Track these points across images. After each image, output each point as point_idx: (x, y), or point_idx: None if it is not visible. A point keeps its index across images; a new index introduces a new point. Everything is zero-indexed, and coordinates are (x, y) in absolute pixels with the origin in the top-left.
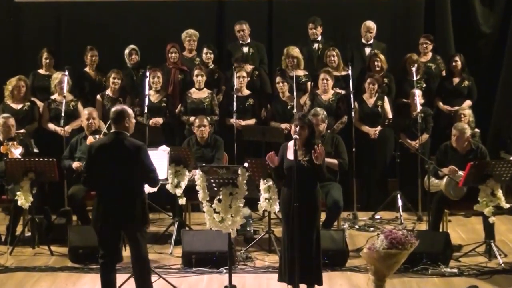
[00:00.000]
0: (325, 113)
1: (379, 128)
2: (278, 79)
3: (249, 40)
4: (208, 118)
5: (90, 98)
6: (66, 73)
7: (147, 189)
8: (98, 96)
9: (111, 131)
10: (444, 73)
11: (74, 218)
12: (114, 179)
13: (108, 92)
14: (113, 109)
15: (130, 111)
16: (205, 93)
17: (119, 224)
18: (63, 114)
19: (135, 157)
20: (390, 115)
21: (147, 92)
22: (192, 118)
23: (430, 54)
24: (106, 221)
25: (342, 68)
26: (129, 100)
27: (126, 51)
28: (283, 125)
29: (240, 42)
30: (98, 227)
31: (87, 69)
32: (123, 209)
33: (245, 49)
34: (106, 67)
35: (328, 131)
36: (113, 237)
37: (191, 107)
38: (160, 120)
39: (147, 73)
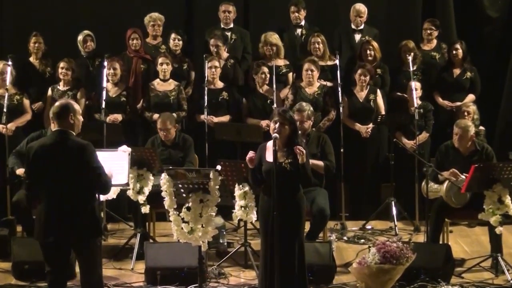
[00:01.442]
0: (311, 108)
1: (371, 125)
2: (262, 68)
3: (232, 25)
4: (175, 115)
5: (34, 91)
6: (9, 62)
7: (104, 196)
8: (49, 90)
9: (54, 129)
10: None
11: (19, 228)
12: (57, 184)
13: (60, 84)
14: (57, 103)
15: (76, 106)
16: (171, 85)
17: (65, 237)
18: (5, 110)
19: (79, 159)
20: (383, 111)
21: (104, 84)
22: (156, 116)
23: (435, 42)
24: (50, 233)
25: (328, 57)
26: (83, 94)
27: (80, 38)
28: (262, 122)
29: (222, 26)
30: (41, 240)
31: (31, 58)
32: (68, 219)
33: (227, 35)
34: (56, 57)
35: (313, 129)
36: (60, 251)
37: (154, 102)
38: (119, 117)
39: (105, 63)
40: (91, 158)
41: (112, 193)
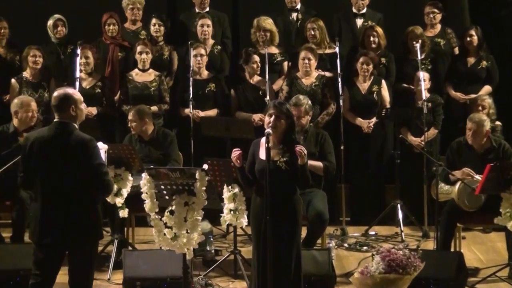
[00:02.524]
0: (309, 102)
1: (373, 120)
2: (253, 57)
3: (207, 9)
4: (156, 108)
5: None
6: None
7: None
8: (13, 80)
9: (54, 120)
10: (456, 51)
11: None
12: (55, 181)
13: (26, 74)
14: (55, 93)
15: (77, 95)
16: (151, 75)
17: (62, 238)
18: None
19: (80, 155)
20: (388, 104)
21: (77, 74)
22: (129, 109)
23: (438, 27)
24: (46, 234)
25: (327, 45)
26: (53, 85)
27: (50, 23)
28: (255, 116)
29: (198, 10)
30: (36, 240)
31: None
32: (67, 219)
33: None
34: (23, 43)
35: (311, 124)
36: (54, 254)
37: (133, 94)
38: (94, 111)
39: (78, 51)
40: (93, 154)
41: None
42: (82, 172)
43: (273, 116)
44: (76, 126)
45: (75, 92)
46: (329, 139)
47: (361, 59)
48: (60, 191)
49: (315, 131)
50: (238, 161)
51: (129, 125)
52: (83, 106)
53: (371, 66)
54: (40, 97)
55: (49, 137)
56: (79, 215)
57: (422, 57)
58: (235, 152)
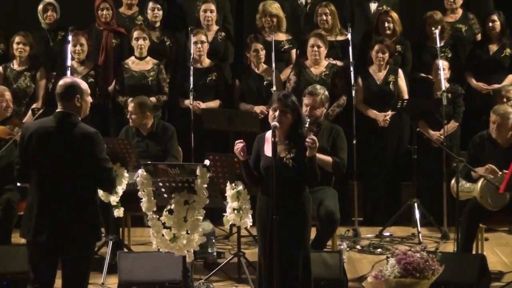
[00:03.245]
0: (326, 93)
1: (390, 112)
2: (255, 45)
3: None
4: (154, 99)
5: None
6: None
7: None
8: (0, 68)
9: (57, 110)
10: (479, 37)
11: None
12: (54, 175)
13: (14, 63)
14: (61, 82)
15: (83, 85)
16: (149, 63)
17: (58, 236)
18: None
19: (83, 148)
20: (406, 95)
21: (69, 63)
22: (130, 100)
23: (460, 12)
24: (42, 231)
25: (338, 31)
26: (43, 74)
27: (40, 7)
28: (256, 108)
29: None
30: (30, 238)
31: None
32: (65, 216)
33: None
34: (11, 30)
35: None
36: (50, 253)
37: (129, 84)
38: None
39: (69, 37)
40: (97, 148)
41: None
42: (85, 168)
43: (278, 111)
44: (79, 118)
45: (82, 82)
46: (342, 134)
47: (376, 47)
48: (59, 186)
49: (329, 125)
50: (242, 153)
51: (128, 117)
52: (89, 98)
53: (387, 55)
54: (18, 87)
55: (50, 128)
56: (79, 213)
57: (442, 44)
58: (238, 144)
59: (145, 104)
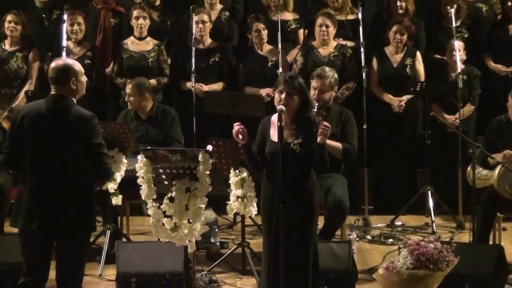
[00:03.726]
0: (336, 75)
1: (405, 97)
2: (256, 25)
3: None
4: (154, 81)
5: None
6: None
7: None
8: None
9: (51, 92)
10: (500, 17)
11: None
12: (47, 161)
13: (6, 43)
14: (52, 64)
15: (77, 66)
16: (149, 44)
17: (51, 224)
18: None
19: (78, 133)
20: (423, 79)
21: (64, 43)
22: (128, 82)
23: None
24: (33, 219)
25: (349, 10)
26: (36, 55)
27: None
28: (262, 91)
29: None
30: (22, 226)
31: None
32: (58, 204)
33: None
34: (2, 9)
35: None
36: (42, 243)
37: (128, 65)
38: None
39: (64, 16)
40: (93, 133)
41: None
42: (79, 153)
43: (284, 93)
44: (75, 100)
45: (75, 63)
46: (353, 119)
47: (394, 28)
48: (51, 172)
49: (338, 109)
50: (240, 136)
51: (126, 99)
52: (83, 78)
53: (405, 36)
54: (9, 68)
55: (44, 111)
56: (72, 201)
57: (458, 24)
58: (236, 127)
59: (143, 85)
